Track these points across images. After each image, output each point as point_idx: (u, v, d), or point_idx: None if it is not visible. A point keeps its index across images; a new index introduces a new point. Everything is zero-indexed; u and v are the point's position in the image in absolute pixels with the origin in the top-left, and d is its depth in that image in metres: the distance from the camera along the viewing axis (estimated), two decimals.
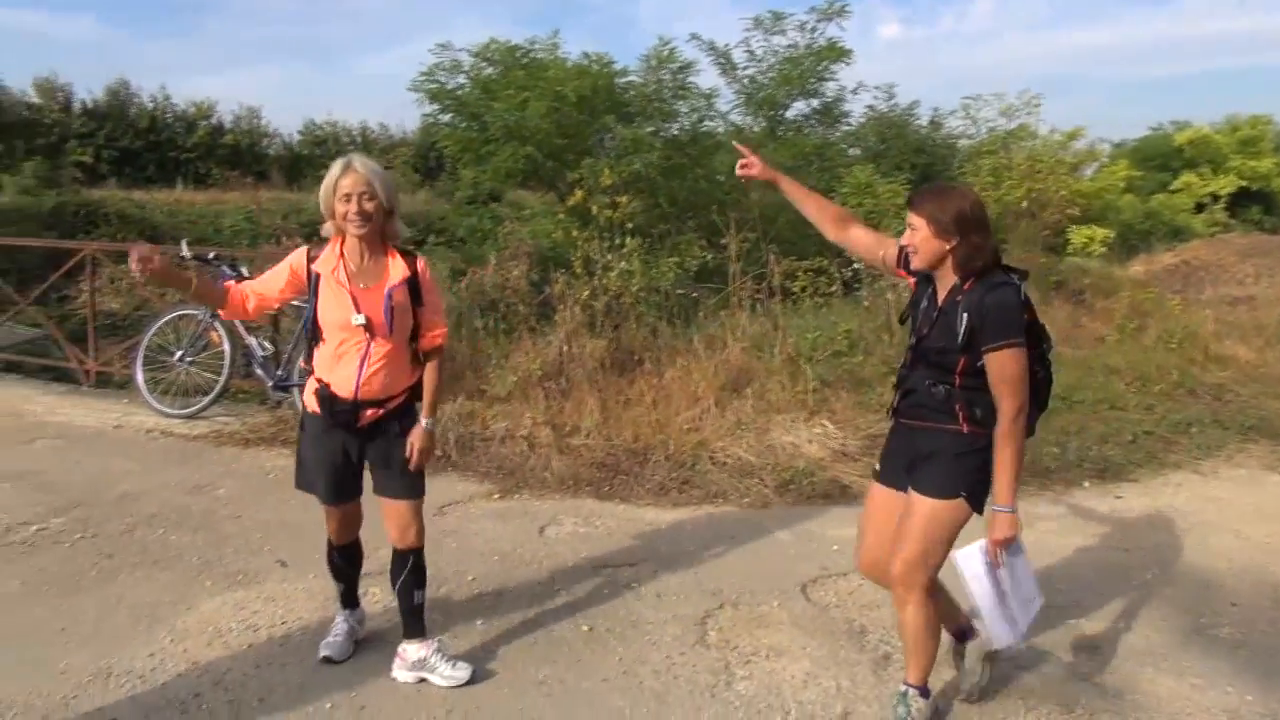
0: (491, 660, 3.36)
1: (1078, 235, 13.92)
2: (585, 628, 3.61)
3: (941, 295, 2.72)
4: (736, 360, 6.70)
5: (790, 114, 17.56)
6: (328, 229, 3.02)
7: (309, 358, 3.09)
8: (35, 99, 30.56)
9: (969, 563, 2.74)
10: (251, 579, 4.00)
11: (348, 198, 2.89)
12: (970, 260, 2.63)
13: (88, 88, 34.57)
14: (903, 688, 2.95)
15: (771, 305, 7.31)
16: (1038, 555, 4.43)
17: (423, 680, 3.16)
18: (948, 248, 2.64)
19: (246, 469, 5.42)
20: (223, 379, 6.56)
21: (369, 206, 2.90)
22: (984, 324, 2.57)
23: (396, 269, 3.01)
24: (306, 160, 32.60)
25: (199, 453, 5.84)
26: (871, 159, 16.67)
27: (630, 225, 7.34)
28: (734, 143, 3.42)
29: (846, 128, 18.48)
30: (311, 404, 3.04)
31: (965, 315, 2.60)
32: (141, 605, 3.74)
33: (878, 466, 2.99)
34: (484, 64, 15.30)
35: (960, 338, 2.61)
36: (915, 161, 17.72)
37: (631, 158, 13.14)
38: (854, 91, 18.08)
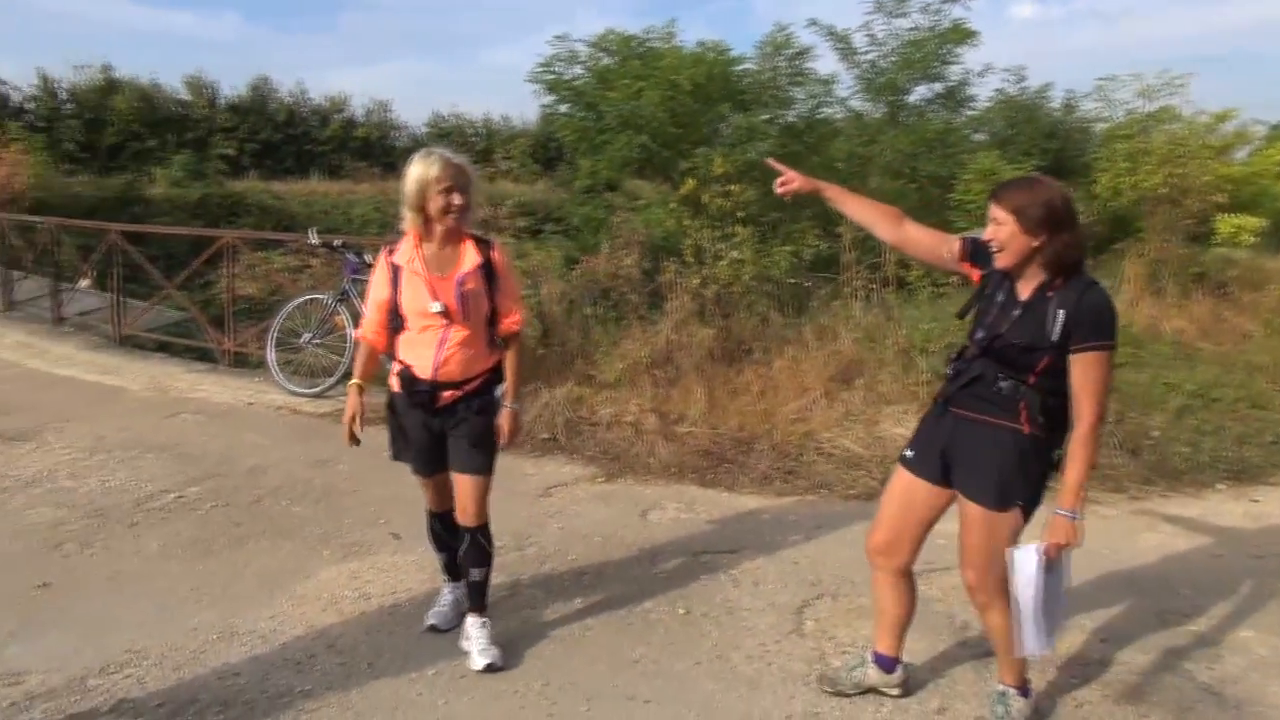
0: (588, 637, 3.43)
1: (1225, 224, 13.03)
2: (682, 611, 3.65)
3: (1025, 291, 2.62)
4: (848, 351, 6.60)
5: (912, 98, 17.04)
6: (407, 223, 3.08)
7: (393, 343, 3.19)
8: (185, 96, 32.40)
9: (1025, 564, 2.62)
10: (366, 550, 4.19)
11: (447, 190, 2.97)
12: (1060, 257, 2.53)
13: (232, 84, 36.42)
14: (1000, 687, 2.87)
15: (886, 295, 7.16)
16: (1163, 559, 4.24)
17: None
18: (1035, 244, 2.54)
19: (365, 446, 5.62)
20: (345, 360, 6.86)
21: (463, 200, 3.00)
22: (1079, 323, 2.50)
23: (469, 256, 3.09)
24: None
25: (322, 430, 6.14)
26: (998, 144, 16.02)
27: (742, 214, 7.30)
28: (769, 160, 3.32)
29: (971, 112, 17.81)
30: (394, 384, 3.18)
31: (1061, 313, 2.51)
32: (265, 571, 3.97)
33: (909, 453, 2.90)
34: (600, 54, 15.47)
35: (1053, 335, 2.52)
36: (1046, 147, 16.88)
37: (745, 146, 13.05)
38: (981, 74, 17.40)
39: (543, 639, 3.42)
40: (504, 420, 3.20)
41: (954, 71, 16.75)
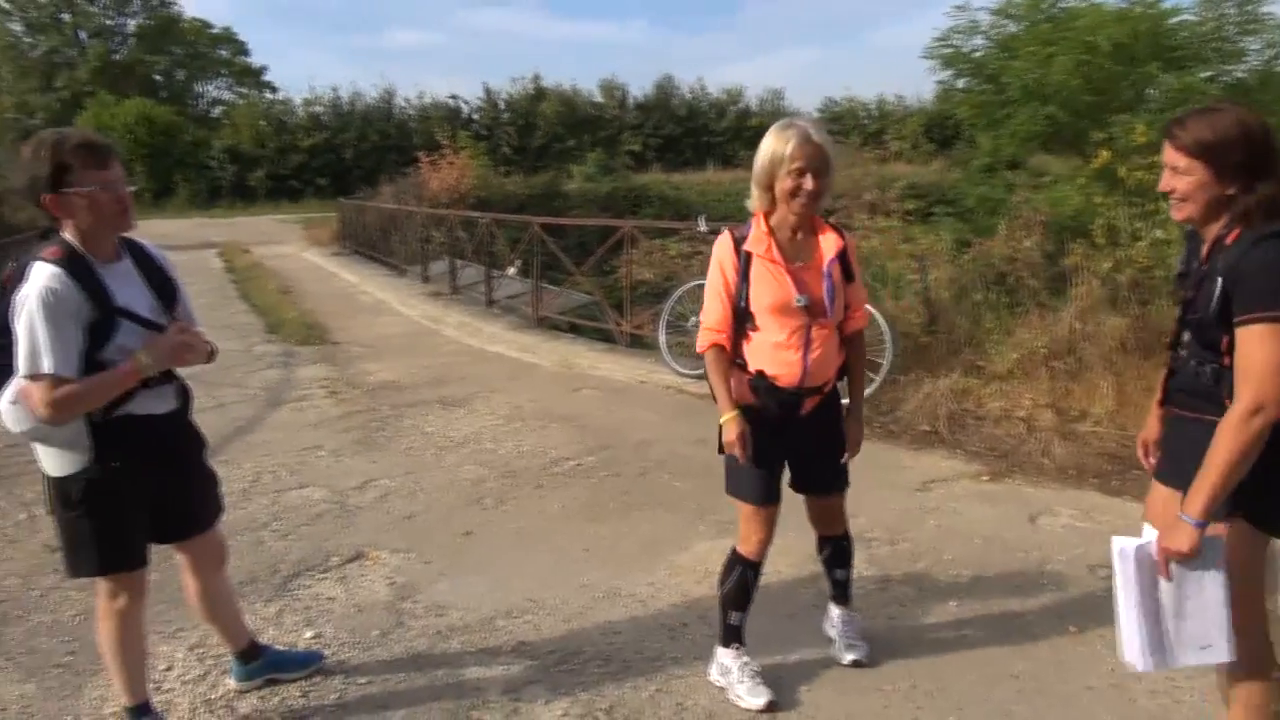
0: (962, 644, 3.22)
1: None
2: (1072, 629, 3.29)
3: (1204, 252, 2.10)
4: None
5: None
6: (754, 201, 2.75)
7: (731, 350, 2.77)
8: (599, 99, 35.45)
9: (1122, 560, 2.10)
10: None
11: (800, 172, 2.58)
12: (1262, 209, 1.97)
13: (639, 85, 39.39)
14: None
15: None
16: None
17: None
18: (1229, 193, 2.01)
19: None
20: None
21: (815, 185, 2.60)
22: (1239, 286, 1.95)
23: (829, 244, 2.73)
24: None
25: (705, 410, 6.36)
26: None
27: None
28: None
29: None
30: (744, 396, 2.73)
31: (1220, 279, 1.98)
32: (647, 539, 4.23)
33: (1151, 460, 2.37)
34: (1004, 21, 14.39)
35: (1212, 307, 2.00)
36: None
37: (1179, 110, 11.43)
38: None
39: (912, 640, 3.26)
40: (856, 430, 2.90)
41: None
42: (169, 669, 3.16)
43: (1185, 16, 13.49)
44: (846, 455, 2.90)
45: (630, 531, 4.33)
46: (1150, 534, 2.14)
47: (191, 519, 2.78)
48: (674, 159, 33.26)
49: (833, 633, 3.18)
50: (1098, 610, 3.41)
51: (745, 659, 2.94)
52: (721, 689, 2.95)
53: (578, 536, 4.28)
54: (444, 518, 4.54)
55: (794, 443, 2.82)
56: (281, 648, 3.18)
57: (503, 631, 3.39)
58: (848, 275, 2.79)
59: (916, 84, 38.20)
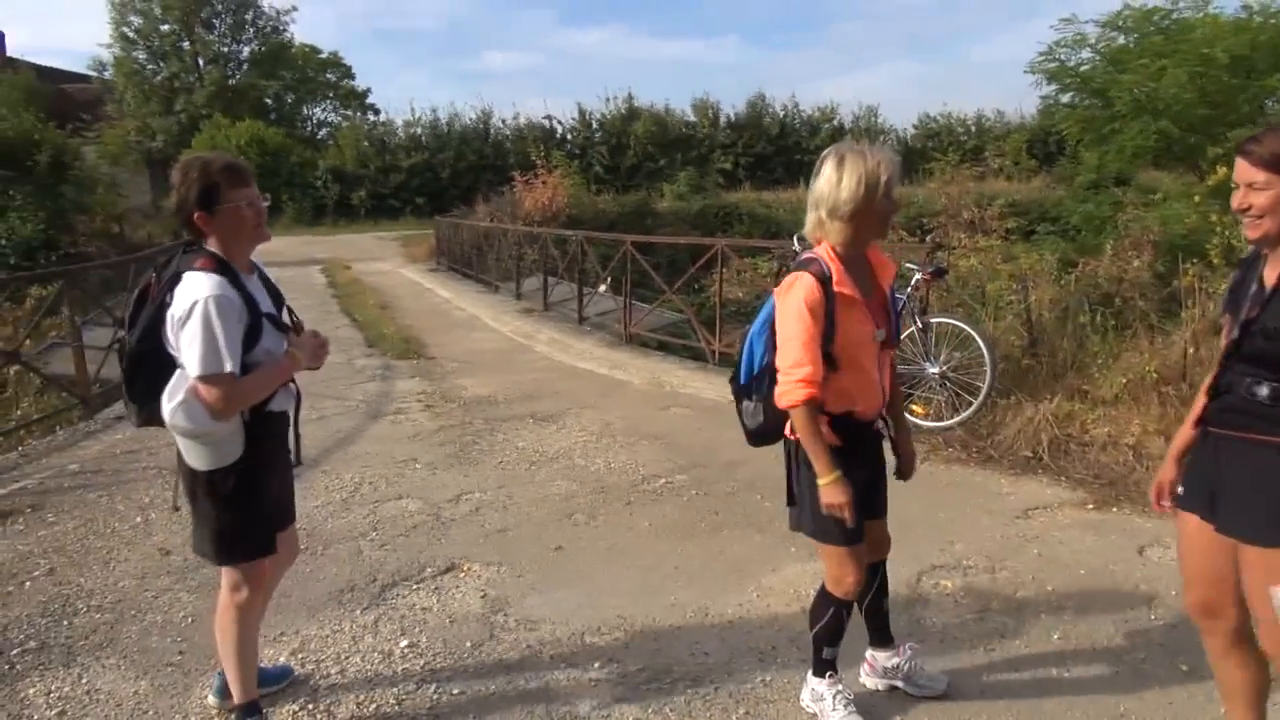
0: (1066, 680, 3.10)
1: None
2: (1184, 668, 3.13)
3: (1274, 274, 2.10)
4: None
5: None
6: (833, 232, 2.57)
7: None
8: (691, 117, 35.60)
9: None
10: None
11: (892, 191, 2.54)
12: None
13: (731, 103, 39.36)
14: None
15: None
16: None
17: (893, 687, 3.05)
18: None
19: None
20: None
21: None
22: None
23: (884, 269, 2.70)
24: (919, 154, 33.21)
25: None
26: None
27: None
28: None
29: None
30: (830, 440, 2.61)
31: None
32: (737, 559, 4.19)
33: (1180, 489, 2.32)
34: (1113, 33, 13.94)
35: None
36: None
37: None
38: None
39: (1010, 672, 3.16)
40: (908, 448, 2.91)
41: None
42: None
43: None
44: (906, 473, 2.93)
45: (720, 551, 4.30)
46: None
47: (289, 511, 2.96)
48: (765, 177, 33.14)
49: (898, 677, 3.04)
50: None
51: (839, 687, 2.88)
52: (813, 715, 2.90)
53: (667, 554, 4.28)
54: (535, 532, 4.59)
55: (871, 473, 2.79)
56: (258, 665, 3.10)
57: (593, 647, 3.40)
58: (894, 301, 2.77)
59: (1018, 99, 37.19)
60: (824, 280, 2.51)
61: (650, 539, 4.49)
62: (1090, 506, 4.73)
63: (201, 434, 2.54)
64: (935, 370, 6.34)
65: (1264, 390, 2.08)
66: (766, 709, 2.98)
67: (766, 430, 2.76)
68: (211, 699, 3.03)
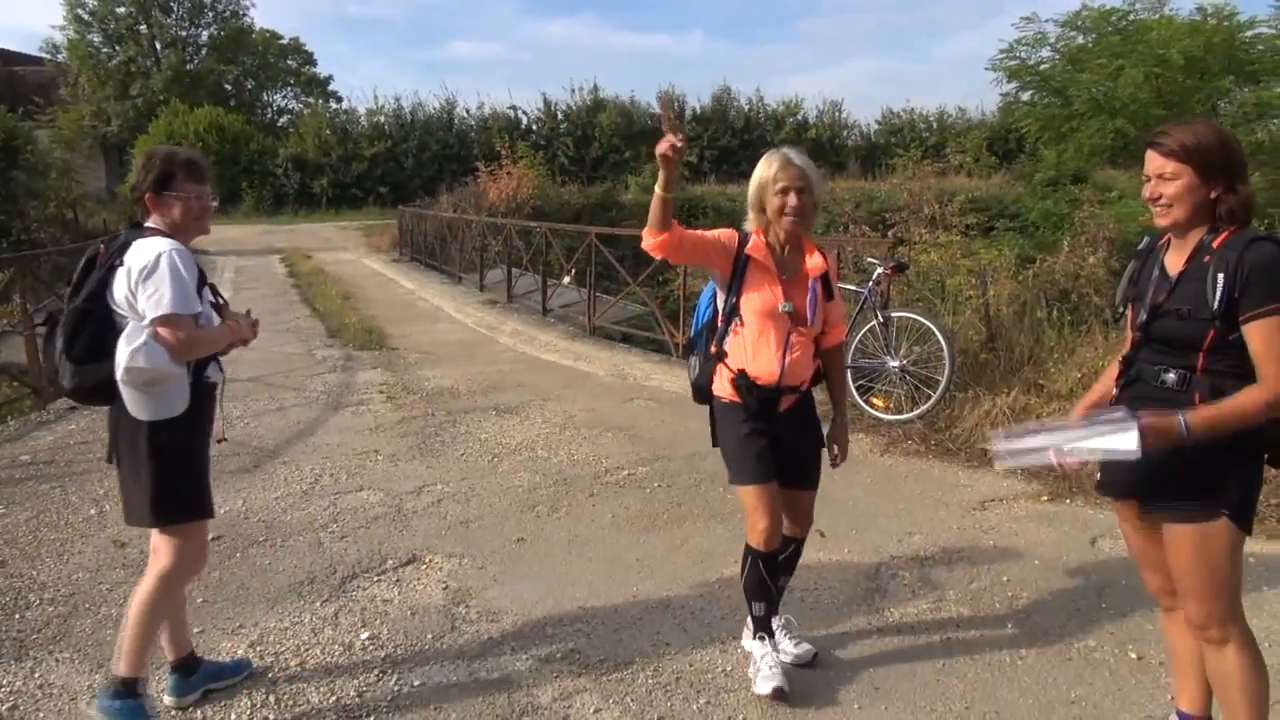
0: (1019, 667, 3.16)
1: None
2: (1133, 655, 3.22)
3: (1179, 261, 2.24)
4: None
5: None
6: (751, 222, 3.01)
7: (716, 343, 3.03)
8: (656, 110, 35.56)
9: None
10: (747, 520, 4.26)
11: (784, 191, 2.87)
12: (1245, 209, 2.16)
13: (697, 96, 39.38)
14: None
15: None
16: None
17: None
18: (1213, 196, 2.16)
19: None
20: None
21: (799, 203, 2.88)
22: (1246, 286, 2.08)
23: (814, 261, 3.01)
24: (882, 149, 33.50)
25: None
26: None
27: None
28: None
29: None
30: (727, 392, 3.00)
31: (1220, 276, 2.11)
32: (699, 550, 4.22)
33: (1099, 476, 2.40)
34: (1073, 33, 14.16)
35: (1214, 304, 2.11)
36: None
37: (1253, 125, 11.15)
38: None
39: (967, 661, 3.22)
40: (842, 436, 3.17)
41: None
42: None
43: (1261, 29, 13.16)
44: (837, 459, 3.16)
45: (683, 542, 4.33)
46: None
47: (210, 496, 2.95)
48: (730, 170, 33.20)
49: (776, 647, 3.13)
50: (1160, 637, 3.33)
51: (766, 649, 3.04)
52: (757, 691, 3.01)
53: (630, 546, 4.30)
54: (497, 524, 4.59)
55: (775, 436, 3.01)
56: (213, 658, 3.17)
57: (555, 638, 3.41)
58: (829, 293, 3.06)
59: (979, 96, 37.63)
60: (743, 240, 2.98)
61: (612, 531, 4.50)
62: (1045, 499, 4.83)
63: (159, 377, 2.60)
64: (896, 364, 6.42)
65: (1171, 376, 2.23)
66: (727, 698, 3.01)
67: (703, 384, 3.10)
68: (168, 699, 2.99)
